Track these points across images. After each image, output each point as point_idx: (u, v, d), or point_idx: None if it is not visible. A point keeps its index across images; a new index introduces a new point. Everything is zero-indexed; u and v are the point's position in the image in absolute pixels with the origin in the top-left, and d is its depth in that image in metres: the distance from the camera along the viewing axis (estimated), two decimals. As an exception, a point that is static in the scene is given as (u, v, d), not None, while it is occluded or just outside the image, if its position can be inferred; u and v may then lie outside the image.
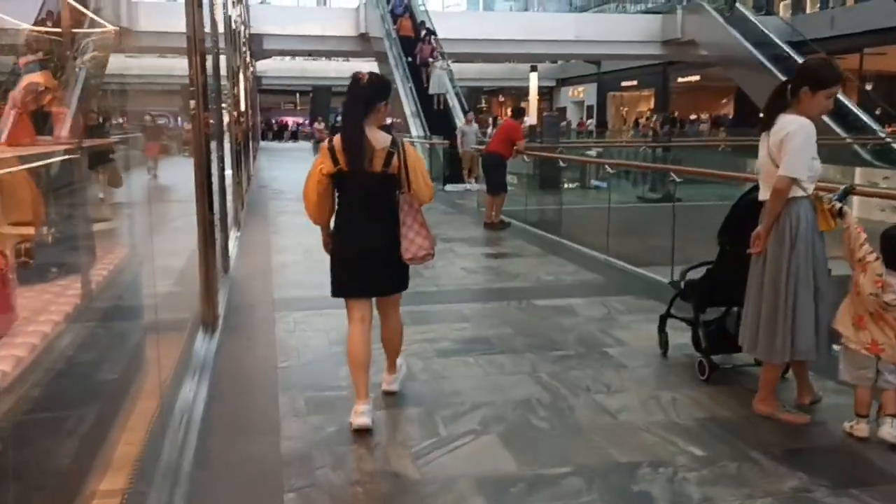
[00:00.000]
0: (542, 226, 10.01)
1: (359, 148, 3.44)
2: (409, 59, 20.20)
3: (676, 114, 32.99)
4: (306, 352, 4.71)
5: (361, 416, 3.53)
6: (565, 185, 14.76)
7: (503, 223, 9.93)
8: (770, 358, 3.60)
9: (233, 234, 9.42)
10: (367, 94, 3.50)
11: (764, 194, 3.61)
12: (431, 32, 20.88)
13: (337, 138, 3.51)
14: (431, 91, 18.47)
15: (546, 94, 53.52)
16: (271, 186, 16.53)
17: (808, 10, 29.71)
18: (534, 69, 26.78)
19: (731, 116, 33.76)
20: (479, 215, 11.03)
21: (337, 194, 3.62)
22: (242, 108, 14.56)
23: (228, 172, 10.10)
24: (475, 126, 13.76)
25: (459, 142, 13.53)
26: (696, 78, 37.89)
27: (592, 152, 15.17)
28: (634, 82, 42.59)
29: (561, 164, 8.87)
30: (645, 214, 11.56)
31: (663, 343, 4.59)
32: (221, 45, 9.50)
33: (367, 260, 3.62)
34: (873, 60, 26.38)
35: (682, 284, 4.40)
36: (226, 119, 10.00)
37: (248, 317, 5.61)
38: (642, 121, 40.42)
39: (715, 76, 35.34)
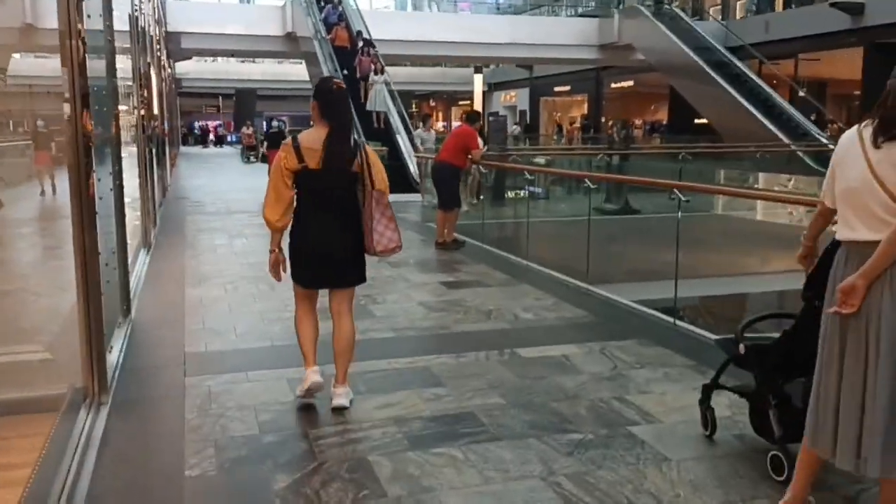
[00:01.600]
0: (501, 244, 8.86)
1: (344, 148, 3.66)
2: (346, 71, 18.77)
3: (637, 122, 32.39)
4: (227, 447, 3.39)
5: (313, 374, 3.83)
6: (509, 195, 13.76)
7: (457, 242, 8.75)
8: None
9: (140, 260, 7.97)
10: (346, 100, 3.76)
11: (860, 232, 2.51)
12: (370, 44, 19.43)
13: (305, 137, 3.66)
14: (370, 108, 17.02)
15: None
16: (191, 198, 14.95)
17: (737, 16, 29.61)
18: (478, 71, 25.57)
19: (664, 122, 33.51)
20: (427, 231, 9.82)
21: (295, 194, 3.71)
22: (156, 111, 12.98)
23: (136, 183, 8.63)
24: (433, 133, 12.43)
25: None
26: (630, 83, 37.63)
27: (541, 160, 14.16)
28: (567, 87, 42.13)
29: (527, 175, 7.75)
30: (610, 228, 10.58)
31: (708, 422, 3.46)
32: (126, 43, 8.08)
33: (332, 255, 3.77)
34: (807, 66, 26.34)
35: (740, 346, 3.27)
36: (130, 124, 8.51)
37: (149, 385, 4.24)
38: (566, 126, 40.09)
39: (649, 81, 35.06)
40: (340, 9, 21.96)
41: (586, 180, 6.89)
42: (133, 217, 8.39)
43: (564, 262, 7.92)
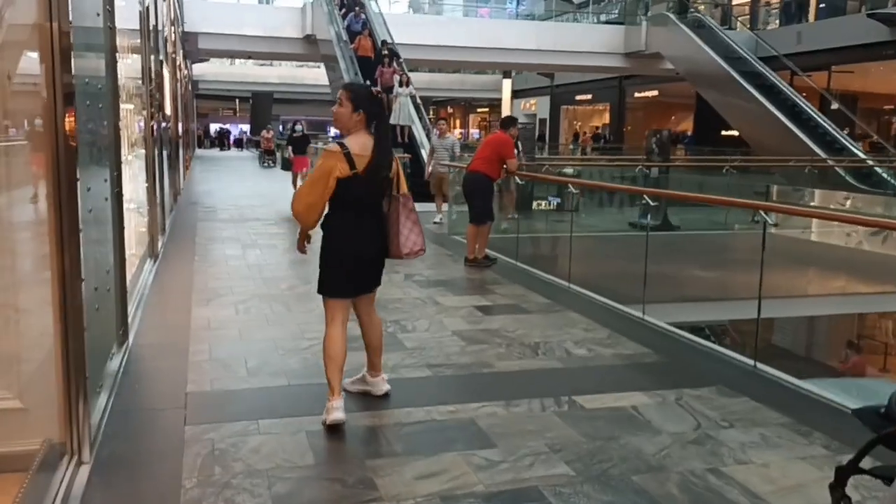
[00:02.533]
0: (536, 262, 8.12)
1: (390, 156, 3.74)
2: (368, 81, 18.09)
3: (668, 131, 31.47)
4: (233, 531, 2.69)
5: (336, 411, 3.61)
6: (536, 206, 13.07)
7: (488, 259, 8.03)
8: None
9: (145, 271, 7.30)
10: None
11: None
12: (395, 55, 18.71)
13: (352, 144, 3.63)
14: (394, 121, 16.23)
15: (496, 106, 52.20)
16: (203, 203, 14.30)
17: (764, 26, 28.81)
18: (507, 76, 24.68)
19: (689, 133, 32.67)
20: (453, 246, 9.11)
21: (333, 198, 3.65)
22: (169, 112, 12.35)
23: (144, 187, 7.98)
24: (451, 138, 11.49)
25: (427, 161, 11.33)
26: (654, 93, 36.84)
27: (570, 170, 13.46)
28: (589, 96, 41.41)
29: (572, 189, 7.01)
30: (651, 247, 9.79)
31: (844, 513, 2.72)
32: (132, 41, 7.44)
33: (369, 260, 3.82)
34: (838, 79, 25.51)
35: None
36: (139, 126, 7.86)
37: (142, 437, 3.54)
38: (582, 135, 39.38)
39: (673, 91, 34.27)
40: (363, 17, 21.19)
41: (644, 197, 6.13)
42: (140, 224, 7.74)
43: (609, 284, 7.20)
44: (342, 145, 3.60)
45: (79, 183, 3.09)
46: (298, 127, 14.89)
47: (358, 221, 3.70)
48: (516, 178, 8.36)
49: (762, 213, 5.02)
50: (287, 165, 15.14)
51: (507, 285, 7.01)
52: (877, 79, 25.74)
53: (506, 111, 25.18)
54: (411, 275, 7.36)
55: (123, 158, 5.89)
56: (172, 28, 15.08)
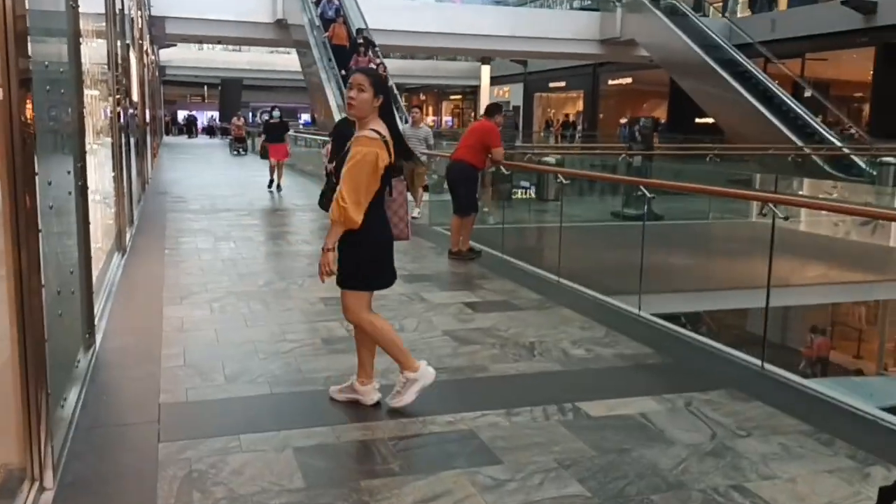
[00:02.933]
0: (522, 255, 7.86)
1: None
2: (343, 71, 17.60)
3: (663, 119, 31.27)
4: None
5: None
6: (514, 195, 12.84)
7: (473, 252, 7.76)
8: None
9: (113, 266, 6.93)
10: None
11: None
12: (371, 43, 18.21)
13: (383, 130, 3.51)
14: None
15: (469, 93, 51.87)
16: (172, 192, 13.85)
17: (738, 13, 28.79)
18: (485, 62, 24.23)
19: (663, 121, 32.61)
20: (436, 238, 8.82)
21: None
22: (136, 98, 11.89)
23: (110, 177, 7.58)
24: (425, 129, 10.88)
25: None
26: (628, 80, 36.74)
27: (550, 159, 13.22)
28: (563, 83, 41.24)
29: (562, 179, 6.72)
30: (637, 237, 9.57)
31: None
32: (97, 25, 7.02)
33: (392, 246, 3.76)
34: (811, 66, 25.58)
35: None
36: (106, 113, 7.44)
37: (111, 457, 3.21)
38: (554, 123, 39.27)
39: (647, 79, 34.20)
40: (336, 3, 20.65)
41: (642, 188, 5.87)
42: (106, 216, 7.34)
43: (599, 278, 6.98)
44: (378, 133, 3.46)
45: (37, 177, 2.76)
46: (276, 113, 14.27)
47: (382, 208, 3.61)
48: (502, 167, 8.06)
49: (771, 206, 4.77)
50: (265, 154, 14.50)
51: (494, 280, 6.74)
52: (847, 67, 25.84)
53: (485, 98, 24.74)
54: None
55: (88, 147, 5.53)
56: (139, 12, 14.55)
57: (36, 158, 2.72)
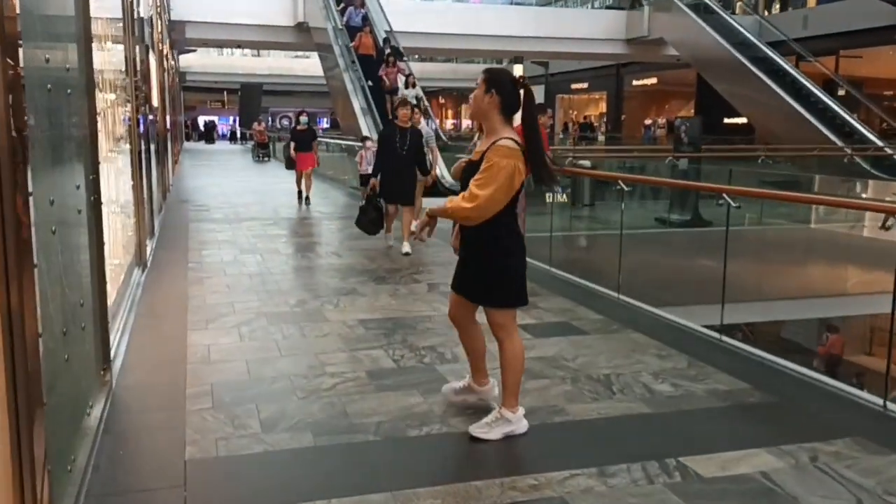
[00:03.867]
0: (572, 267, 7.23)
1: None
2: (370, 82, 17.00)
3: (661, 121, 30.46)
4: None
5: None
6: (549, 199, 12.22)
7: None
8: None
9: (133, 283, 6.40)
10: None
11: None
12: (398, 53, 17.59)
13: (517, 141, 3.24)
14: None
15: (490, 96, 51.25)
16: (194, 200, 13.35)
17: (766, 10, 28.04)
18: (517, 61, 23.30)
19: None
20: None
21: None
22: (156, 104, 11.40)
23: (128, 185, 7.05)
24: (425, 129, 9.32)
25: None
26: (653, 81, 35.99)
27: (586, 163, 12.59)
28: (585, 85, 40.58)
29: (622, 186, 6.10)
30: (688, 245, 9.00)
31: None
32: (114, 30, 6.50)
33: None
34: (844, 64, 24.75)
35: None
36: (125, 119, 6.91)
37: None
38: (572, 124, 38.64)
39: (673, 79, 33.48)
40: (363, 10, 19.79)
41: (725, 196, 5.16)
42: (125, 227, 6.80)
43: (662, 294, 6.36)
44: (518, 143, 3.19)
45: (32, 198, 2.18)
46: (303, 119, 12.85)
47: (516, 218, 3.39)
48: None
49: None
50: (291, 164, 12.99)
51: (547, 297, 6.12)
52: (883, 64, 25.00)
53: None
54: (435, 284, 6.49)
55: (105, 156, 5.00)
56: (158, 16, 14.08)
57: (30, 175, 2.15)
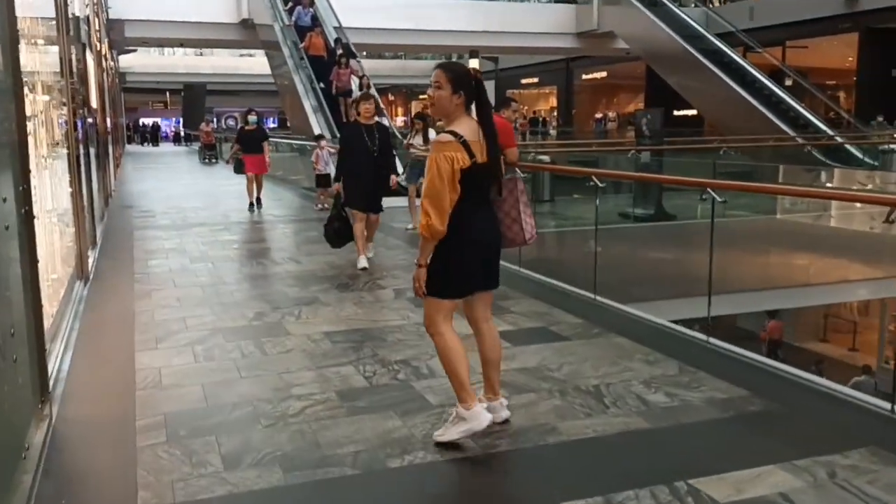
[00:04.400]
0: (539, 266, 6.95)
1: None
2: (322, 84, 16.38)
3: (611, 115, 30.41)
4: None
5: (484, 409, 3.28)
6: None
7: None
8: None
9: (74, 297, 5.93)
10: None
11: None
12: (350, 53, 16.86)
13: (463, 130, 3.19)
14: None
15: (438, 92, 51.02)
16: (139, 206, 12.76)
17: (717, 2, 28.34)
18: (473, 56, 22.63)
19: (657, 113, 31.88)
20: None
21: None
22: (94, 106, 10.80)
23: (66, 192, 6.56)
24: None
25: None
26: (603, 74, 36.14)
27: (545, 157, 12.36)
28: (535, 79, 40.59)
29: (596, 182, 5.82)
30: (652, 239, 8.81)
31: None
32: (41, 30, 6.00)
33: (494, 249, 3.43)
34: (791, 55, 25.10)
35: None
36: (62, 123, 6.40)
37: None
38: (520, 120, 38.54)
39: (623, 72, 33.64)
40: (312, 10, 18.88)
41: (708, 189, 4.92)
42: (64, 238, 6.30)
43: (639, 291, 6.12)
44: (455, 133, 3.18)
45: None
46: (252, 118, 11.75)
47: (474, 209, 3.26)
48: (517, 170, 7.12)
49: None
50: (240, 168, 12.02)
51: (520, 299, 5.84)
52: (828, 54, 25.42)
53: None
54: (402, 290, 6.14)
55: (39, 163, 4.57)
56: (95, 15, 13.39)
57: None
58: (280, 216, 11.40)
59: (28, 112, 3.90)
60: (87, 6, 10.81)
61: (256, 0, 21.60)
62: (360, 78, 15.69)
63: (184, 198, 13.85)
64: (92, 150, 9.56)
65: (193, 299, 6.02)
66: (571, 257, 6.89)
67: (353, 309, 5.64)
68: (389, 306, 5.73)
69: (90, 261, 7.31)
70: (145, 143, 44.82)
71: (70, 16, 7.33)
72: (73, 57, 7.34)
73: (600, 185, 5.93)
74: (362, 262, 7.13)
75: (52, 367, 4.01)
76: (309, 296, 6.06)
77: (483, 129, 3.23)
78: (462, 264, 3.26)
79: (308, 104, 16.88)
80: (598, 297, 5.79)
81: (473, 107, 3.28)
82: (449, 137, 3.17)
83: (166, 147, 42.33)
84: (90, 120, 10.13)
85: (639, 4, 24.32)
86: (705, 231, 5.09)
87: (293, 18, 18.65)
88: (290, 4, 19.28)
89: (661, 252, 8.80)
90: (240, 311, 5.60)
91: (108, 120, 15.93)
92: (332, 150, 10.59)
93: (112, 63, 22.25)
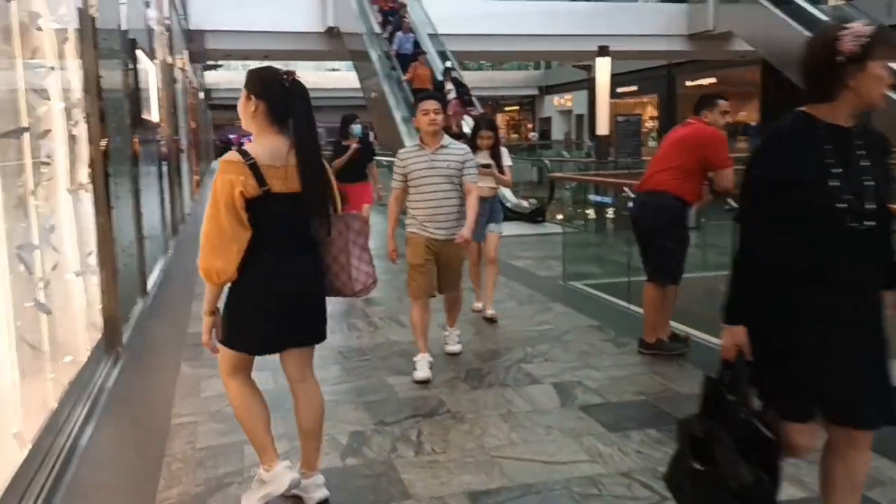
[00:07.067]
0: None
1: (320, 163, 2.83)
2: None
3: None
4: None
5: (288, 469, 2.88)
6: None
7: (678, 340, 4.72)
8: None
9: (92, 386, 3.96)
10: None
11: None
12: (462, 86, 14.38)
13: (258, 151, 2.69)
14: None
15: (527, 104, 49.12)
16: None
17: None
18: (602, 53, 19.85)
19: (754, 124, 29.19)
20: (590, 307, 5.78)
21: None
22: (155, 119, 9.15)
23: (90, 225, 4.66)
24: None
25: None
26: (711, 80, 33.37)
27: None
28: (634, 87, 38.17)
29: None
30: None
31: None
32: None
33: (311, 303, 2.87)
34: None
35: None
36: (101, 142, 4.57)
37: None
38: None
39: (734, 78, 30.87)
40: (413, 35, 16.76)
41: None
42: (91, 288, 4.39)
43: None
44: (244, 153, 2.66)
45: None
46: (356, 128, 7.78)
47: (281, 253, 2.72)
48: (730, 201, 4.91)
49: None
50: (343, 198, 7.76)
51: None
52: None
53: (602, 97, 19.34)
54: (560, 378, 4.04)
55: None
56: (162, 26, 11.82)
57: None
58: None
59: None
60: (153, 19, 9.23)
61: (343, 6, 20.00)
62: (463, 112, 13.27)
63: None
64: (151, 169, 7.88)
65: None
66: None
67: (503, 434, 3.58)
68: (562, 428, 3.64)
69: (131, 322, 5.40)
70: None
71: (95, 27, 5.51)
72: (98, 72, 5.45)
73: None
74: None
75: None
76: (432, 400, 4.04)
77: (298, 150, 2.71)
78: (256, 318, 2.74)
79: (398, 114, 15.21)
80: None
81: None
82: (235, 157, 2.67)
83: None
84: (157, 137, 8.55)
85: (765, 1, 21.71)
86: None
87: (393, 47, 16.60)
88: (389, 29, 17.38)
89: None
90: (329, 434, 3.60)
91: (183, 136, 14.46)
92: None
93: (188, 73, 20.85)
